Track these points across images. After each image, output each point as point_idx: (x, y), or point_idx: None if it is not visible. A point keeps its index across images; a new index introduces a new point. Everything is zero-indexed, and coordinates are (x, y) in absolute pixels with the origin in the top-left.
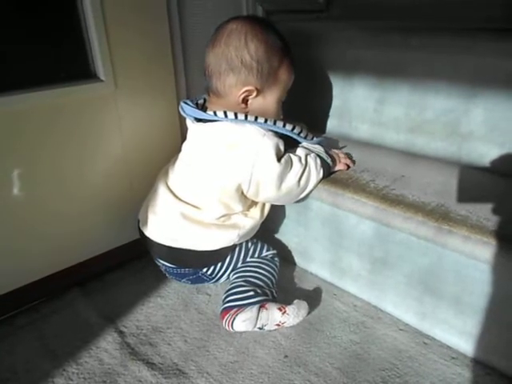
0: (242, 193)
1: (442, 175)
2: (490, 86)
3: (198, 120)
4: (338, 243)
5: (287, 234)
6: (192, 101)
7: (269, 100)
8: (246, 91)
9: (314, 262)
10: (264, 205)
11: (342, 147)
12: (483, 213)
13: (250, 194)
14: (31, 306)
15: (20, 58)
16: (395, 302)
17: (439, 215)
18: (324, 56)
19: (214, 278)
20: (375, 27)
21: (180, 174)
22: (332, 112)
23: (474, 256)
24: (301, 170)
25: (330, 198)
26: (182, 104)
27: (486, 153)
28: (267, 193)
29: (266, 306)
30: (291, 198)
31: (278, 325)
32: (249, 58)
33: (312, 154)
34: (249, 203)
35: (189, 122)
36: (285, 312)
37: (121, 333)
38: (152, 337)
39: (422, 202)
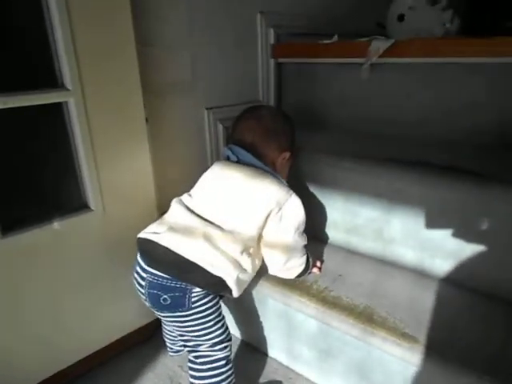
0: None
1: (373, 273)
2: (403, 204)
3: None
4: (290, 335)
5: (252, 324)
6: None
7: (290, 162)
8: (284, 155)
9: (273, 348)
10: (260, 260)
11: None
12: (399, 314)
13: (274, 221)
14: None
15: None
16: None
17: (365, 318)
18: None
19: (191, 308)
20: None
21: (215, 202)
22: None
23: (392, 354)
24: (304, 243)
25: (281, 298)
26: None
27: (404, 254)
28: (288, 227)
29: None
30: (293, 253)
31: None
32: (289, 130)
33: None
34: (256, 252)
35: (224, 162)
36: None
37: None
38: None
39: (354, 304)
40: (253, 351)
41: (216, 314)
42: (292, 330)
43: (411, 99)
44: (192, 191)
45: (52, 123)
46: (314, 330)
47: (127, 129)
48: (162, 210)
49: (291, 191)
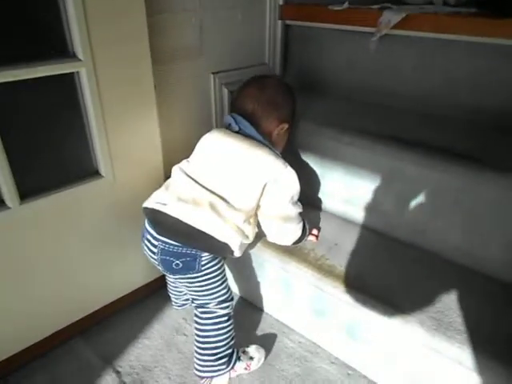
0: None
1: (367, 244)
2: (399, 180)
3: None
4: (287, 296)
5: (252, 284)
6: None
7: (287, 133)
8: (282, 126)
9: (270, 305)
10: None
11: None
12: (389, 283)
13: (270, 192)
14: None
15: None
16: (329, 341)
17: (357, 287)
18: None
19: (201, 270)
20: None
21: (215, 172)
22: None
23: (377, 318)
24: (300, 210)
25: (280, 264)
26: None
27: (397, 227)
28: (283, 197)
29: (236, 368)
30: (289, 221)
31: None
32: (290, 103)
33: None
34: (255, 220)
35: (224, 131)
36: (249, 367)
37: (118, 373)
38: (143, 375)
39: (346, 272)
40: (251, 307)
41: (222, 275)
42: (288, 293)
43: (417, 73)
44: (191, 158)
45: (64, 92)
46: (309, 294)
47: (136, 96)
48: (168, 174)
49: (286, 163)
